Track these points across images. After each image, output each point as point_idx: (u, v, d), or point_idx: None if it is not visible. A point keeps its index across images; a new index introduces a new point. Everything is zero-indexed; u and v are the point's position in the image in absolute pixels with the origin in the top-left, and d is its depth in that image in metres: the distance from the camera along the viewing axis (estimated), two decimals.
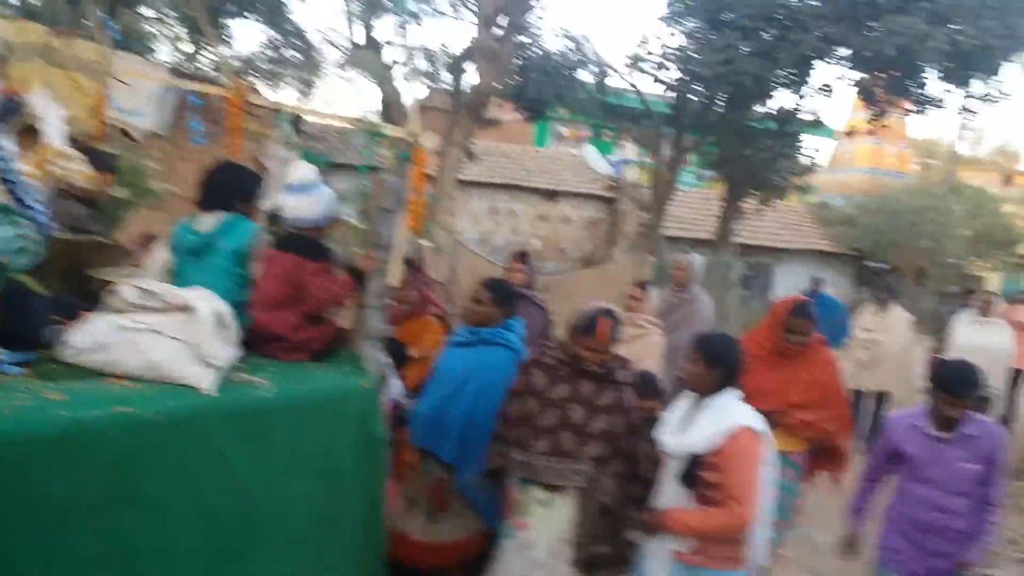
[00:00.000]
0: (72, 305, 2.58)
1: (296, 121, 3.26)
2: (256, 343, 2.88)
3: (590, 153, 17.90)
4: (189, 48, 15.59)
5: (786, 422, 3.45)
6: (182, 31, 15.37)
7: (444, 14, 12.31)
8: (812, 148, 13.32)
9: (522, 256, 4.38)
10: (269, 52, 14.98)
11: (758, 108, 11.54)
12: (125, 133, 5.88)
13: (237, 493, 2.42)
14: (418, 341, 3.89)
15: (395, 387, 3.22)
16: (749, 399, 3.42)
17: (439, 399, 3.30)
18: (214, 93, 3.36)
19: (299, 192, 2.98)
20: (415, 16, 12.24)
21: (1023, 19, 9.00)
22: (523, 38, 11.32)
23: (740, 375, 2.71)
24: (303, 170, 2.98)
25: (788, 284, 15.98)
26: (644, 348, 4.13)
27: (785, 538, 3.72)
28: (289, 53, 14.09)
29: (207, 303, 2.48)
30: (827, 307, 6.46)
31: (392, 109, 10.69)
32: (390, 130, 3.00)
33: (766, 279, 18.05)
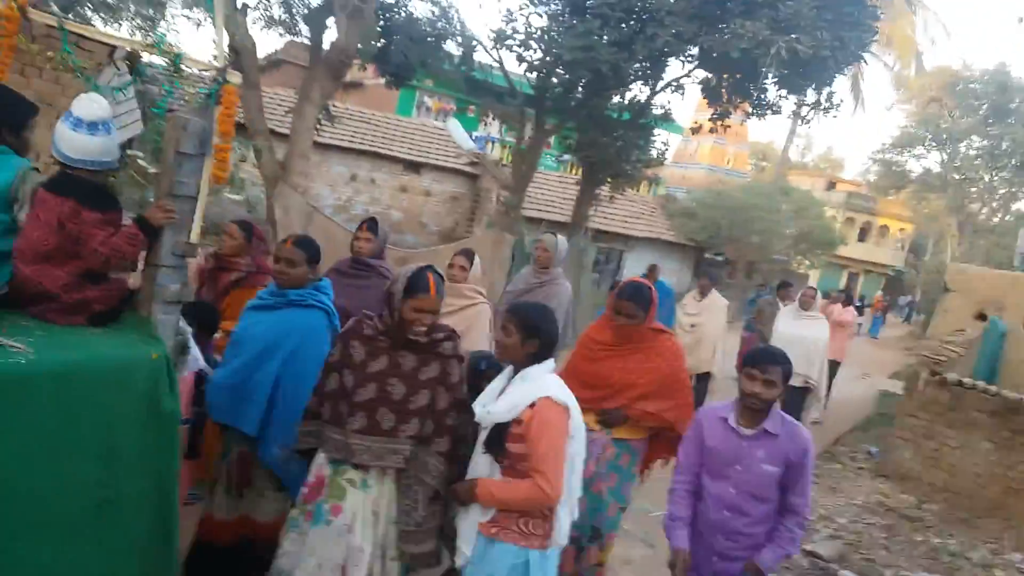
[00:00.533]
0: None
1: (132, 59, 2.82)
2: (23, 302, 2.50)
3: (454, 127, 17.69)
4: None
5: (630, 413, 3.50)
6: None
7: None
8: (662, 142, 13.87)
9: (371, 223, 4.13)
10: None
11: (616, 98, 11.80)
12: None
13: None
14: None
15: (197, 359, 2.91)
16: (591, 387, 3.47)
17: (240, 367, 3.02)
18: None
19: (87, 130, 2.58)
20: None
21: (855, 32, 9.69)
22: None
23: (554, 347, 2.67)
24: (95, 105, 2.59)
25: (637, 271, 16.66)
26: (471, 318, 4.02)
27: (620, 521, 3.76)
28: None
29: None
30: (660, 293, 6.72)
31: (244, 58, 9.94)
32: (193, 62, 2.66)
33: (617, 264, 18.71)
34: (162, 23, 13.51)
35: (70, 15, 5.71)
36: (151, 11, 13.33)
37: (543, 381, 2.59)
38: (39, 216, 2.50)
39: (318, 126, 10.48)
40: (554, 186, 17.72)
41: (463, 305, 3.99)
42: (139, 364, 2.49)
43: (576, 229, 13.19)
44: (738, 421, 2.88)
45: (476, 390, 2.80)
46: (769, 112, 11.32)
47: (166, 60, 2.58)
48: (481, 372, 2.91)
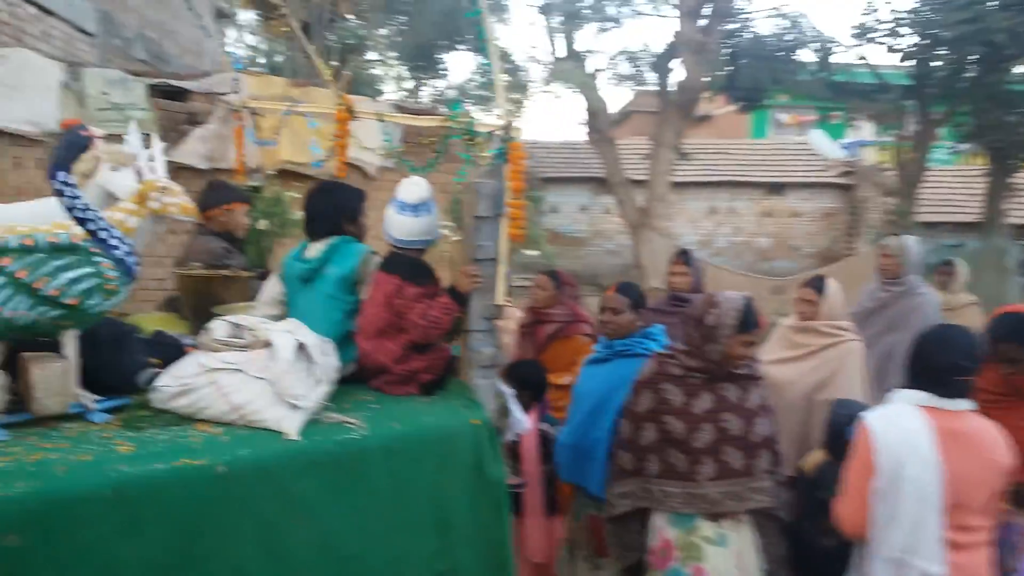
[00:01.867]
0: (175, 345, 2.55)
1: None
2: (366, 375, 2.69)
3: (817, 138, 16.17)
4: (410, 84, 16.78)
5: None
6: (403, 70, 16.56)
7: (644, 13, 11.92)
8: None
9: (683, 255, 3.79)
10: (479, 78, 15.63)
11: (1018, 68, 9.64)
12: (362, 170, 6.14)
13: (328, 551, 2.18)
14: (570, 367, 3.49)
15: (520, 420, 2.85)
16: None
17: (578, 424, 2.96)
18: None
19: (411, 211, 2.75)
20: (615, 20, 11.96)
21: None
22: (731, 25, 10.56)
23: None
24: (416, 188, 2.75)
25: None
26: (836, 360, 3.24)
27: None
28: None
29: (288, 337, 2.30)
30: None
31: (597, 118, 10.49)
32: (481, 125, 2.66)
33: None
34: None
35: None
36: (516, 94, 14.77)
37: (889, 404, 2.24)
38: (374, 295, 2.68)
39: (672, 166, 10.48)
40: (951, 182, 14.99)
41: (823, 345, 3.31)
42: (462, 432, 2.48)
43: (991, 228, 10.94)
44: None
45: (837, 451, 2.35)
46: None
47: (461, 128, 2.63)
48: (844, 440, 2.36)
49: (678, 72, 10.33)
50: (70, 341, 2.21)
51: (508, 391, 2.76)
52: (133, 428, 2.15)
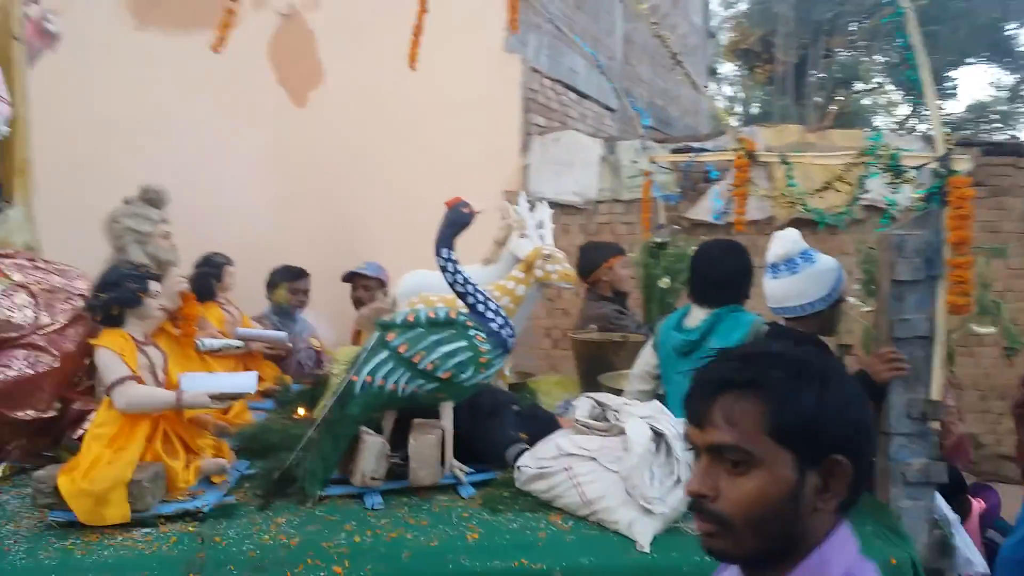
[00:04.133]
0: (548, 420, 2.44)
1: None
2: None
3: None
4: (904, 111, 15.16)
5: None
6: (896, 97, 15.01)
7: None
8: None
9: None
10: (1002, 94, 13.45)
11: None
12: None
13: None
14: None
15: (972, 562, 2.01)
16: None
17: None
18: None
19: (771, 272, 2.26)
20: None
21: None
22: None
23: None
24: (782, 241, 2.25)
25: None
26: None
27: None
28: None
29: (642, 425, 1.99)
30: None
31: None
32: (910, 158, 1.93)
33: None
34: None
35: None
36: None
37: None
38: None
39: None
40: None
41: None
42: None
43: None
44: None
45: None
46: None
47: (880, 166, 1.98)
48: None
49: None
50: (447, 412, 2.26)
51: (953, 518, 1.98)
52: (490, 509, 2.08)
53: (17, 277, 2.88)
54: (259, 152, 5.17)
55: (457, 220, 2.31)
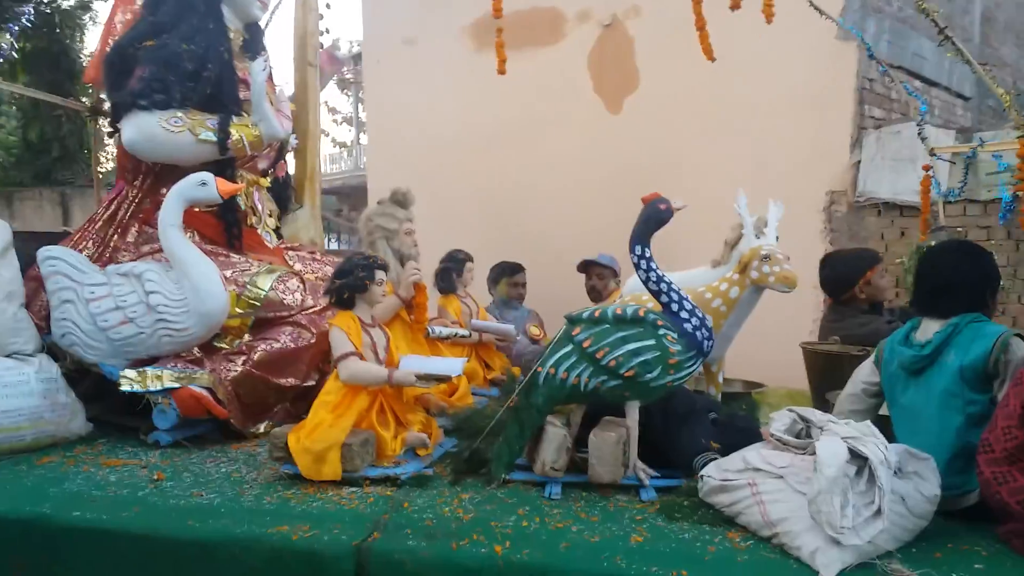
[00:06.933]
0: (748, 431, 2.26)
1: None
2: (991, 515, 1.84)
3: None
4: None
5: None
6: None
7: None
8: None
9: None
10: None
11: None
12: None
13: None
14: None
15: None
16: None
17: None
18: None
19: None
20: None
21: None
22: None
23: None
24: None
25: None
26: None
27: None
28: None
29: (839, 446, 1.74)
30: None
31: None
32: None
33: None
34: None
35: None
36: None
37: None
38: (1009, 399, 1.82)
39: None
40: None
41: None
42: None
43: None
44: None
45: None
46: None
47: None
48: None
49: None
50: (632, 412, 2.21)
51: None
52: (666, 515, 1.99)
53: (297, 267, 3.40)
54: (572, 159, 5.43)
55: (653, 216, 2.24)
